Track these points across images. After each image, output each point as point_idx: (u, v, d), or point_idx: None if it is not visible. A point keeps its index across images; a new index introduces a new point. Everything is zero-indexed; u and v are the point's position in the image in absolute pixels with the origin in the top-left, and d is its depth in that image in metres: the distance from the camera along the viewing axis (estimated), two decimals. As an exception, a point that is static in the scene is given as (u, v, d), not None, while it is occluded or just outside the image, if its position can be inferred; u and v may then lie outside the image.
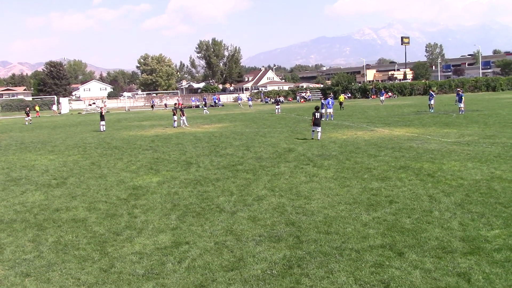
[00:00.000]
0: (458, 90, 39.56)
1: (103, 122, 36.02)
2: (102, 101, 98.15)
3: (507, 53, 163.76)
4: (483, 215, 9.39)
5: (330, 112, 37.33)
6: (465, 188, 11.68)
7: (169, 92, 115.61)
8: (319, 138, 23.00)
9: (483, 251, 7.54)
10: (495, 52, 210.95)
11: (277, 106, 49.85)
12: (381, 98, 62.90)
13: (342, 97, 54.83)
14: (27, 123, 49.00)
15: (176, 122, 36.38)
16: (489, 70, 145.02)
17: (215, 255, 7.97)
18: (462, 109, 36.04)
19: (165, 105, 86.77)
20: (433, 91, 45.76)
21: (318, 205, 10.79)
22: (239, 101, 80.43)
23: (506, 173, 13.24)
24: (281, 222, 9.62)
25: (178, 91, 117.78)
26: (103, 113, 37.46)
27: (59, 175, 16.34)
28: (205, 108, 61.30)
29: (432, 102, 40.59)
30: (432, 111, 39.47)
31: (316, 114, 23.28)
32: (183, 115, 37.40)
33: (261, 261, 7.60)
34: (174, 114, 36.98)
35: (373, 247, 7.96)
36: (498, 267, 6.92)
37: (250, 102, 72.81)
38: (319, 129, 23.24)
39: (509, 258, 7.24)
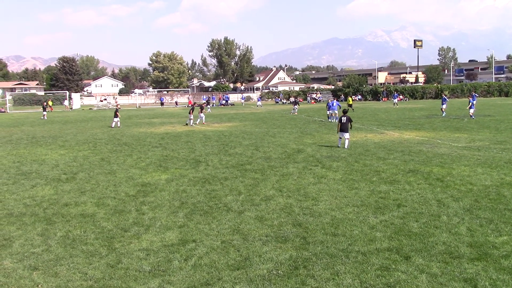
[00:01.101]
0: (470, 95, 40.04)
1: (116, 119, 36.24)
2: (114, 97, 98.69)
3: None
4: (492, 221, 9.34)
5: (331, 113, 37.85)
6: (474, 194, 11.62)
7: (180, 90, 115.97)
8: (346, 146, 20.20)
9: (490, 258, 7.50)
10: (508, 57, 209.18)
11: (295, 107, 49.56)
12: (394, 100, 62.77)
13: (350, 99, 54.71)
14: (43, 117, 49.35)
15: (192, 121, 36.09)
16: (502, 75, 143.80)
17: (221, 253, 8.00)
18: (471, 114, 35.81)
19: (176, 103, 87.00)
20: (446, 95, 45.56)
21: (326, 206, 10.78)
22: (242, 100, 78.48)
23: (516, 179, 13.14)
24: (288, 222, 9.63)
25: (189, 89, 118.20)
26: (117, 111, 38.02)
27: (69, 170, 16.46)
28: (208, 107, 61.58)
29: (444, 106, 40.42)
30: (444, 115, 39.25)
31: (342, 118, 20.50)
32: (201, 112, 37.97)
33: (267, 261, 7.62)
34: (196, 111, 37.69)
35: (380, 250, 7.95)
36: (505, 274, 6.88)
37: (259, 102, 72.51)
38: (346, 135, 20.31)
39: (516, 265, 7.20)
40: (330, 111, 38.04)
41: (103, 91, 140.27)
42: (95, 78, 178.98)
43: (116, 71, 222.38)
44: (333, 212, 10.28)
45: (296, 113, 47.40)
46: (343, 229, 9.09)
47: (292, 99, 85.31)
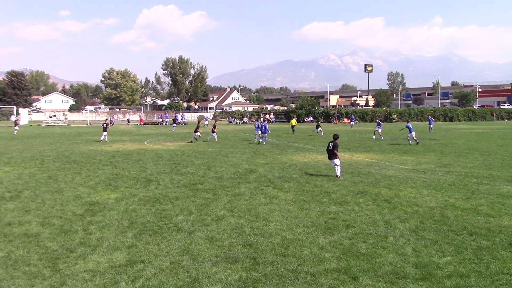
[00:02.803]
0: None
1: (105, 133, 38.45)
2: (64, 113, 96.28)
3: (466, 86, 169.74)
4: (436, 242, 9.63)
5: (259, 134, 36.08)
6: (419, 215, 11.97)
7: (133, 108, 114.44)
8: (338, 174, 18.13)
9: (434, 278, 7.72)
10: (453, 83, 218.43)
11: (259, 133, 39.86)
12: (351, 123, 65.00)
13: (294, 121, 53.83)
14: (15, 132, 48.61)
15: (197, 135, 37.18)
16: (447, 101, 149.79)
17: (170, 274, 7.88)
18: (415, 138, 34.19)
19: (128, 120, 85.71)
20: (380, 120, 48.19)
21: (276, 227, 10.84)
22: (206, 122, 72.69)
23: (459, 201, 13.64)
24: (239, 243, 9.61)
25: (142, 107, 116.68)
26: (106, 126, 39.85)
27: (13, 188, 15.89)
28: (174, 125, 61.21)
29: (380, 130, 42.03)
30: (382, 138, 40.39)
31: (330, 144, 18.69)
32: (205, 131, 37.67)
33: (216, 282, 7.57)
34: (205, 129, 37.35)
35: (329, 270, 8.04)
36: (447, 294, 7.08)
37: (207, 122, 72.23)
38: (337, 162, 18.35)
39: (459, 285, 7.43)
40: (259, 132, 35.84)
41: (53, 107, 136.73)
42: (44, 93, 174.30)
43: (67, 87, 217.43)
44: (283, 233, 10.33)
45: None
46: (293, 250, 9.15)
47: (245, 119, 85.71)
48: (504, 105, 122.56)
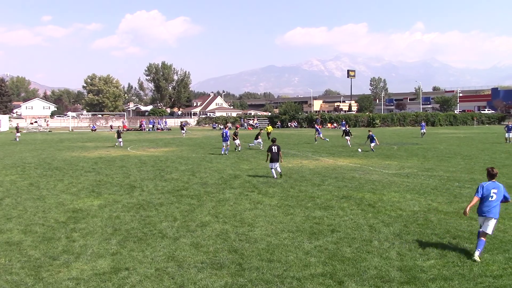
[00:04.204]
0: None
1: (120, 139, 38.97)
2: (45, 120, 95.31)
3: (447, 91, 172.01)
4: (420, 246, 9.71)
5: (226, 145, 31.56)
6: (403, 219, 12.06)
7: (115, 114, 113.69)
8: (274, 176, 19.26)
9: (419, 281, 7.78)
10: (434, 88, 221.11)
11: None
12: (343, 128, 65.32)
13: (269, 127, 51.89)
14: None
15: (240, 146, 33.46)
16: (429, 106, 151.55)
17: (155, 281, 7.82)
18: (372, 147, 32.59)
19: (111, 126, 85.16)
20: (318, 125, 50.06)
21: (262, 232, 10.83)
22: (183, 131, 62.77)
23: (442, 205, 13.78)
24: (224, 249, 9.58)
25: (125, 113, 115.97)
26: (120, 132, 40.74)
27: (-6, 196, 15.64)
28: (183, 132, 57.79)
29: (320, 135, 43.24)
30: (316, 142, 41.58)
31: (273, 148, 19.46)
32: (235, 139, 33.77)
33: (202, 288, 7.52)
34: (234, 139, 33.30)
35: (314, 275, 8.05)
36: (432, 297, 7.14)
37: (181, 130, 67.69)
38: (277, 165, 19.41)
39: (443, 287, 7.49)
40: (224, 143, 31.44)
41: (34, 113, 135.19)
42: (25, 99, 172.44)
43: (49, 93, 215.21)
44: (268, 238, 10.33)
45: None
46: (279, 255, 9.15)
47: (229, 125, 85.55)
48: (485, 110, 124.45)
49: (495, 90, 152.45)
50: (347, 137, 37.85)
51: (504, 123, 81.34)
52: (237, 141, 33.52)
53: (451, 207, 13.51)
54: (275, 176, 19.31)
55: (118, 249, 9.58)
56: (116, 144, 38.82)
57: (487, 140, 44.55)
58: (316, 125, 47.13)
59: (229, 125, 51.22)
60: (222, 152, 30.88)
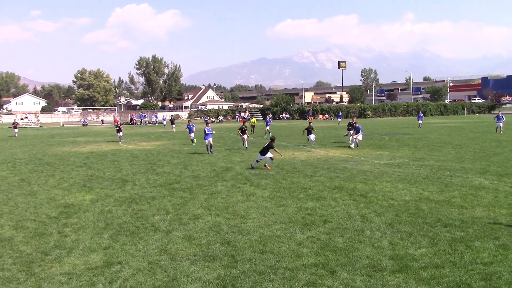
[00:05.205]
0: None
1: (120, 134, 38.35)
2: (35, 115, 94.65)
3: (438, 81, 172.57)
4: (411, 235, 9.77)
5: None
6: (395, 209, 12.13)
7: (106, 108, 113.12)
8: (253, 165, 20.10)
9: (410, 269, 7.84)
10: (425, 78, 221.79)
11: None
12: (338, 119, 68.09)
13: (254, 120, 51.51)
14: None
15: (246, 142, 29.87)
16: (420, 96, 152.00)
17: (148, 275, 7.82)
18: (356, 140, 29.44)
19: (102, 121, 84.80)
20: (311, 117, 48.57)
21: (254, 224, 10.85)
22: (164, 121, 64.41)
23: (433, 194, 13.87)
24: (217, 241, 9.59)
25: (116, 107, 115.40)
26: (119, 126, 40.34)
27: (-16, 192, 15.54)
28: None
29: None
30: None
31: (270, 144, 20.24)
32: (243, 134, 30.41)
33: (195, 280, 7.54)
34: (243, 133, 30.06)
35: (307, 266, 8.09)
36: (424, 285, 7.21)
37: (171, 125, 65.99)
38: (267, 156, 19.90)
39: (434, 275, 7.56)
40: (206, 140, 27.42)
41: (24, 109, 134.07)
42: (15, 95, 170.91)
43: (39, 88, 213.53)
44: (261, 230, 10.35)
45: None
46: (271, 246, 9.17)
47: (221, 117, 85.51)
48: (475, 99, 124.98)
49: (485, 80, 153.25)
50: (350, 132, 32.15)
51: (494, 112, 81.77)
52: (245, 136, 29.92)
53: (442, 196, 13.60)
54: (254, 166, 20.17)
55: (110, 243, 9.56)
56: (120, 142, 37.16)
57: (477, 130, 44.81)
58: (309, 127, 36.63)
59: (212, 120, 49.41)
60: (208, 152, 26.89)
